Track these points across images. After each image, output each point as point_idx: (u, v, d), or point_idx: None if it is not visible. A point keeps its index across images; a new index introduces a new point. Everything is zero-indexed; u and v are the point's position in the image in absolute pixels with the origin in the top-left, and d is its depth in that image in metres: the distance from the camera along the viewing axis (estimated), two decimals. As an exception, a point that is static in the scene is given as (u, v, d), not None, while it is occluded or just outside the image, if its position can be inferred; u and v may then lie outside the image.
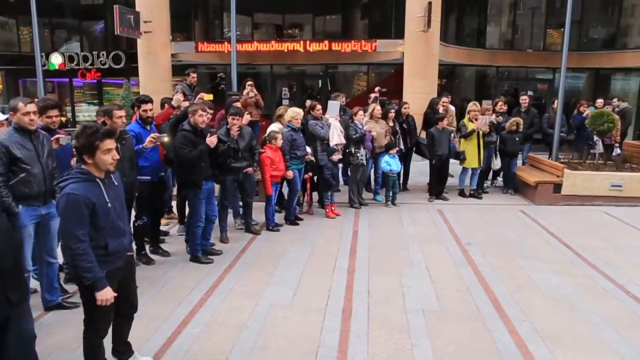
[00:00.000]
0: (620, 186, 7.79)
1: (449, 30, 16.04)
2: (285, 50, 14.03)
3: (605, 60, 15.77)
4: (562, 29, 13.00)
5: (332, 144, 7.17)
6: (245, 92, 7.71)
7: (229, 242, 5.93)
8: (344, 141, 7.32)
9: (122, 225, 2.98)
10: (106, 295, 2.81)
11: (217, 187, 5.83)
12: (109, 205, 2.84)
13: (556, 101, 8.97)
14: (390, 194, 7.65)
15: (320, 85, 16.25)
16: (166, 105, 6.01)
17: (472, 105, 8.15)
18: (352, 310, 4.17)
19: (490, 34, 17.01)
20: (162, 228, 6.01)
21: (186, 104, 5.89)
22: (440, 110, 8.64)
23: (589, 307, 4.30)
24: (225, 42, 13.79)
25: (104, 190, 2.84)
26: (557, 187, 7.89)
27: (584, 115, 9.05)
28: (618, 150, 9.27)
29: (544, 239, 6.26)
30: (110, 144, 2.81)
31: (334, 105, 7.57)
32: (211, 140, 5.18)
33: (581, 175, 7.89)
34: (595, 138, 8.67)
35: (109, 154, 2.80)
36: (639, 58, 15.02)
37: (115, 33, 12.42)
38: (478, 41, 16.62)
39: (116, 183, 3.00)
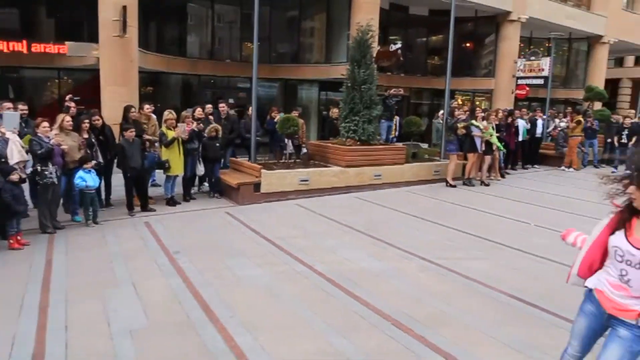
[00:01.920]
0: (307, 180, 9.06)
1: (150, 37, 15.75)
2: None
3: (292, 72, 18.03)
4: (258, 43, 14.38)
5: (12, 162, 6.13)
6: None
7: None
8: (26, 158, 6.34)
9: None
10: None
11: None
12: None
13: (250, 108, 9.77)
14: (90, 212, 6.98)
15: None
16: None
17: (168, 114, 8.12)
18: (45, 352, 3.61)
19: (191, 43, 17.42)
20: None
21: None
22: (143, 119, 8.39)
23: (286, 291, 4.79)
24: None
25: None
26: (257, 186, 8.63)
27: (275, 120, 10.16)
28: (304, 150, 10.75)
29: (248, 236, 6.73)
30: None
31: (10, 117, 6.49)
32: None
33: (276, 174, 8.83)
34: (286, 140, 9.85)
35: None
36: (316, 72, 17.67)
37: None
38: (179, 49, 16.82)
39: None
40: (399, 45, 13.41)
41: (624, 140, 14.23)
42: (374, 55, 10.90)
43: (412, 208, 8.53)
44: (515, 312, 4.43)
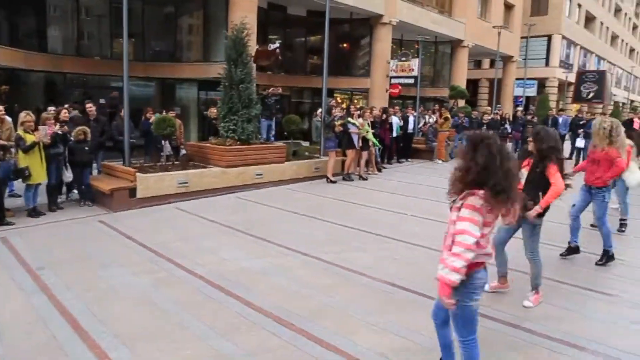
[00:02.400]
0: (187, 183, 8.78)
1: (1, 29, 14.18)
2: None
3: (169, 71, 17.31)
4: (130, 39, 13.53)
5: None
6: None
7: None
8: None
9: None
10: None
11: None
12: None
13: (122, 109, 9.23)
14: None
15: None
16: None
17: (25, 116, 7.32)
18: None
19: (53, 38, 15.96)
20: None
21: None
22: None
23: (165, 297, 4.61)
24: None
25: None
26: (133, 191, 8.18)
27: (150, 121, 9.71)
28: (183, 151, 10.41)
29: (123, 244, 6.36)
30: None
31: None
32: None
33: (152, 177, 8.44)
34: (163, 141, 9.46)
35: None
36: (194, 70, 17.16)
37: None
38: (39, 44, 15.32)
39: None
40: (277, 44, 13.51)
41: (483, 135, 15.82)
42: (252, 54, 10.87)
43: (293, 205, 8.68)
44: (393, 298, 4.71)
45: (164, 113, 10.25)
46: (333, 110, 11.34)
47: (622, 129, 5.79)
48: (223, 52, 10.50)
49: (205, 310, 4.35)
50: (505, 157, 2.74)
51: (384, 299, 4.72)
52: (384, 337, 3.93)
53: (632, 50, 61.39)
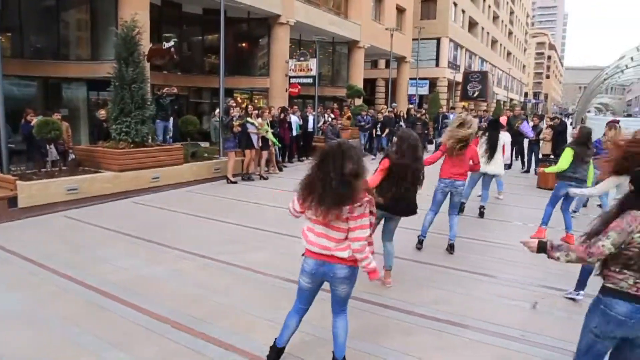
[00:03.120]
0: (76, 189, 8.26)
1: None
2: None
3: (52, 69, 16.01)
4: (6, 34, 12.25)
5: None
6: None
7: None
8: None
9: None
10: None
11: None
12: None
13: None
14: None
15: None
16: None
17: None
18: None
19: None
20: None
21: None
22: None
23: (52, 313, 4.34)
24: None
25: None
26: (13, 201, 7.53)
27: (32, 124, 9.00)
28: (72, 156, 9.77)
29: (2, 258, 5.84)
30: None
31: None
32: None
33: (36, 185, 7.84)
34: (48, 146, 8.81)
35: None
36: (82, 69, 16.07)
37: None
38: None
39: None
40: (172, 43, 13.11)
41: (379, 132, 16.58)
42: (146, 52, 10.47)
43: (191, 207, 8.53)
44: (287, 293, 4.80)
45: (54, 116, 9.54)
46: (231, 110, 11.27)
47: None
48: (113, 50, 10.00)
49: (97, 323, 4.17)
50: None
51: (278, 294, 4.82)
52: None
53: (509, 53, 67.67)
